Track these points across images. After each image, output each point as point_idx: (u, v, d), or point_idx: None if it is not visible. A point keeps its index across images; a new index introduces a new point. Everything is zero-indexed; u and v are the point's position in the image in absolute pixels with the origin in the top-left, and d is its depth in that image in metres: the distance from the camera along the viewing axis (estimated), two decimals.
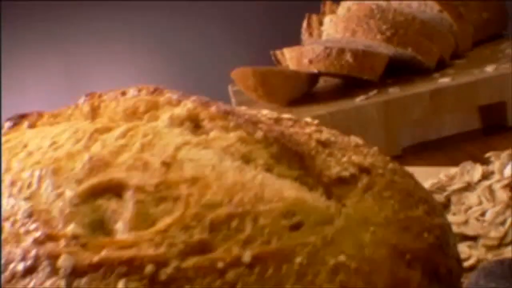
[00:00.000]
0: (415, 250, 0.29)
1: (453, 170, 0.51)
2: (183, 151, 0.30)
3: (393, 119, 0.84)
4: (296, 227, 0.27)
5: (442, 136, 0.86)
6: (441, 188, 0.49)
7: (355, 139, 0.37)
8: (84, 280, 0.25)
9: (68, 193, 0.29)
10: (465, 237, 0.44)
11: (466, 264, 0.41)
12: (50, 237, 0.27)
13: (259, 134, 0.31)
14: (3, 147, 0.39)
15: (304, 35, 1.04)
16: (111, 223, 0.27)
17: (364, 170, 0.32)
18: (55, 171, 0.30)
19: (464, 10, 1.05)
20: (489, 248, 0.43)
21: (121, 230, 0.27)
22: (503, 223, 0.44)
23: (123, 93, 0.40)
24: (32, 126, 0.44)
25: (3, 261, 0.28)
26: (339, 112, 0.81)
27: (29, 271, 0.27)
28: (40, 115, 0.45)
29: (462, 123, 0.87)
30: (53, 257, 0.26)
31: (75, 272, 0.26)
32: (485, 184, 0.47)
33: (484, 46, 1.06)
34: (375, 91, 0.88)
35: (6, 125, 0.47)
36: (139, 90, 0.39)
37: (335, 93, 0.93)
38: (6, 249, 0.29)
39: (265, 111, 0.36)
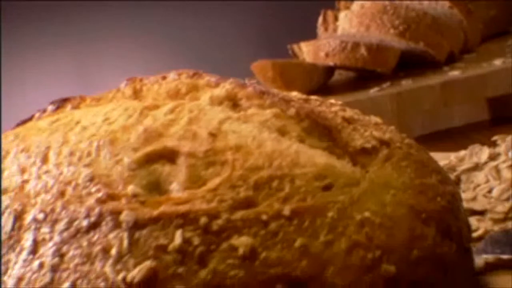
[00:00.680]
0: (430, 211, 0.33)
1: (462, 152, 0.55)
2: (226, 124, 0.34)
3: (405, 110, 0.88)
4: (327, 187, 0.31)
5: (452, 126, 0.89)
6: (451, 168, 0.53)
7: (375, 119, 0.41)
8: (145, 232, 0.29)
9: (126, 160, 0.33)
10: (474, 212, 0.48)
11: (475, 234, 0.45)
12: (112, 197, 0.31)
13: (292, 111, 0.36)
14: (52, 126, 0.43)
15: (320, 30, 1.07)
16: (166, 184, 0.31)
17: (384, 143, 0.36)
18: (112, 141, 0.35)
19: (473, 7, 1.07)
20: (496, 221, 0.47)
21: (175, 190, 0.31)
22: (508, 199, 0.48)
23: (164, 77, 0.44)
24: (75, 108, 0.48)
25: (67, 219, 0.33)
26: (354, 102, 0.85)
27: (93, 226, 0.31)
28: (82, 98, 0.49)
29: (471, 114, 0.90)
30: (116, 213, 0.30)
31: (137, 225, 0.30)
32: (492, 165, 0.51)
33: (492, 41, 1.09)
34: (388, 83, 0.91)
35: (49, 108, 0.51)
36: (179, 74, 0.43)
37: (350, 85, 0.97)
38: (70, 209, 0.33)
39: (294, 93, 0.40)
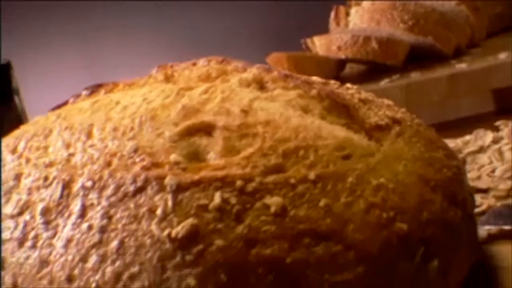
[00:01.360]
0: (437, 180, 0.36)
1: (468, 137, 0.59)
2: (256, 102, 0.38)
3: (414, 101, 0.91)
4: (346, 157, 0.35)
5: (459, 117, 0.92)
6: (458, 151, 0.57)
7: (387, 101, 0.45)
8: (187, 194, 0.33)
9: (167, 133, 0.37)
10: (478, 190, 0.52)
11: (479, 210, 0.49)
12: (156, 164, 0.35)
13: (313, 91, 0.39)
14: (93, 106, 0.46)
15: (332, 25, 1.10)
16: (204, 154, 0.35)
17: (396, 121, 0.40)
18: (153, 117, 0.38)
19: (480, 4, 1.09)
20: (498, 198, 0.51)
21: (213, 158, 0.35)
22: (510, 178, 0.52)
23: (194, 64, 0.48)
24: (108, 93, 0.52)
25: (114, 186, 0.36)
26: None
27: (139, 190, 0.35)
28: (115, 84, 0.53)
29: (476, 105, 0.91)
30: (160, 178, 0.34)
31: (180, 188, 0.33)
32: (495, 147, 0.55)
33: (497, 36, 1.10)
34: (398, 76, 0.94)
35: (83, 93, 0.55)
36: (209, 61, 0.47)
37: (361, 77, 1.00)
38: (117, 176, 0.37)
39: (314, 77, 0.44)
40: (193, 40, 1.30)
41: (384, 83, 0.92)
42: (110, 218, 0.35)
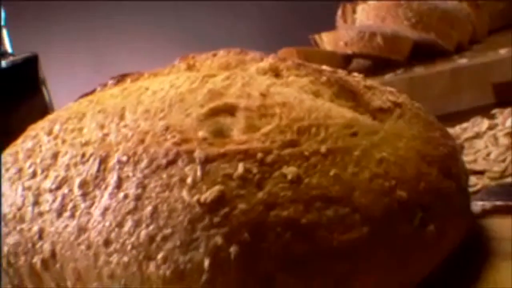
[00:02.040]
0: (434, 155, 0.41)
1: (465, 124, 0.63)
2: (272, 87, 0.42)
3: (417, 94, 0.93)
4: (353, 134, 0.39)
5: (460, 110, 0.95)
6: (456, 137, 0.61)
7: (390, 88, 0.49)
8: (214, 164, 0.38)
9: (195, 113, 0.41)
10: (474, 172, 0.56)
11: (474, 189, 0.54)
12: (185, 140, 0.40)
13: (324, 78, 0.44)
14: (124, 92, 0.51)
15: (339, 22, 1.14)
16: (228, 131, 0.40)
17: (397, 105, 0.44)
18: (181, 100, 0.43)
19: (481, 1, 1.12)
20: (492, 179, 0.55)
21: (236, 134, 0.39)
22: (504, 160, 0.56)
23: (214, 55, 0.53)
24: (133, 82, 0.56)
25: (147, 159, 0.41)
26: None
27: (171, 163, 0.39)
28: (140, 73, 0.57)
29: (477, 98, 0.93)
30: (190, 152, 0.39)
31: (207, 160, 0.38)
32: (491, 133, 0.60)
33: (499, 33, 1.13)
34: (402, 70, 0.98)
35: (110, 82, 0.59)
36: (228, 52, 0.52)
37: (367, 71, 1.03)
38: (150, 151, 0.41)
39: (324, 66, 0.49)
40: (205, 37, 1.34)
41: (388, 77, 0.96)
42: (144, 187, 0.40)
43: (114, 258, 0.41)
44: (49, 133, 0.52)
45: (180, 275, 0.37)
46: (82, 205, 0.44)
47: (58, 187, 0.47)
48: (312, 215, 0.36)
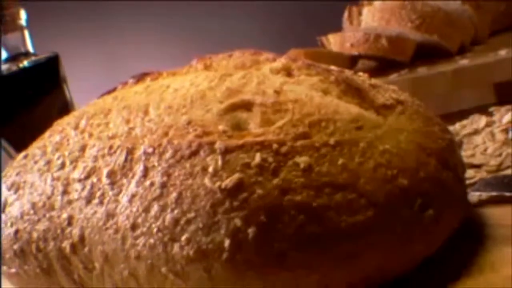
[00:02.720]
0: (432, 148, 0.45)
1: (465, 121, 0.67)
2: (285, 86, 0.46)
3: (420, 94, 0.95)
4: (359, 128, 0.43)
5: (462, 109, 0.98)
6: (456, 133, 0.65)
7: (393, 87, 0.53)
8: (233, 154, 0.42)
9: (215, 109, 0.45)
10: (472, 165, 0.60)
11: (472, 181, 0.57)
12: (207, 133, 0.44)
13: (332, 77, 0.48)
14: (147, 89, 0.54)
15: (345, 24, 1.17)
16: (246, 125, 0.44)
17: (399, 102, 0.48)
18: (202, 97, 0.47)
19: (483, 3, 1.13)
20: (489, 172, 0.58)
21: (253, 128, 0.43)
22: (500, 155, 0.60)
23: (230, 55, 0.57)
24: (153, 81, 0.59)
25: (172, 150, 0.45)
26: None
27: (194, 153, 0.43)
28: (159, 73, 0.61)
29: (479, 97, 0.95)
30: (211, 143, 0.43)
31: (227, 150, 0.42)
32: (488, 130, 0.64)
33: (500, 35, 1.14)
34: (406, 70, 1.00)
35: (130, 81, 0.62)
36: (243, 53, 0.56)
37: (372, 72, 1.06)
38: (174, 143, 0.45)
39: (332, 67, 0.53)
40: (215, 38, 1.37)
41: (393, 77, 0.99)
42: (169, 176, 0.44)
43: (141, 241, 0.44)
44: (76, 127, 0.56)
45: (202, 254, 0.41)
46: (110, 193, 0.48)
47: (87, 177, 0.50)
48: (322, 199, 0.40)
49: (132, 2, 1.38)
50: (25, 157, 0.60)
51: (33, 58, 0.86)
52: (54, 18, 1.32)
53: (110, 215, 0.47)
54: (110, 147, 0.50)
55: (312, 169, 0.40)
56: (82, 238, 0.50)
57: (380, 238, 0.40)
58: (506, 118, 0.64)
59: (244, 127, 0.44)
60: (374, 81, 0.51)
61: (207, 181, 0.42)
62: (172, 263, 0.42)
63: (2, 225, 0.59)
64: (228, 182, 0.41)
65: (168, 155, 0.45)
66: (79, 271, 0.51)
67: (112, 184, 0.48)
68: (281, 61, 0.50)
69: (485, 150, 0.61)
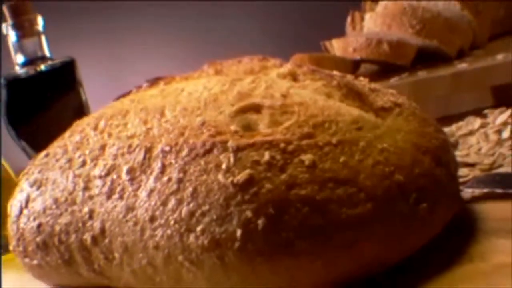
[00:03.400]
0: (427, 147, 0.48)
1: (460, 123, 0.71)
2: (291, 90, 0.50)
3: (421, 97, 0.97)
4: (359, 128, 0.47)
5: (461, 111, 1.01)
6: (452, 134, 0.69)
7: (391, 91, 0.57)
8: (244, 152, 0.45)
9: (227, 111, 0.49)
10: (467, 164, 0.63)
11: (466, 179, 0.61)
12: (220, 133, 0.47)
13: (334, 82, 0.52)
14: (163, 93, 0.58)
15: (348, 29, 1.20)
16: (255, 126, 0.47)
17: (397, 105, 0.52)
18: (215, 100, 0.51)
19: (482, 7, 1.15)
20: (482, 170, 0.62)
21: (262, 128, 0.47)
22: (493, 154, 0.64)
23: (239, 61, 0.60)
24: (166, 85, 0.63)
25: (187, 149, 0.49)
26: None
27: (208, 151, 0.47)
28: (172, 77, 0.64)
29: (477, 100, 0.97)
30: (224, 142, 0.47)
31: (239, 149, 0.46)
32: (482, 131, 0.67)
33: (499, 39, 1.17)
34: (406, 74, 1.03)
35: (144, 84, 0.66)
36: (251, 59, 0.59)
37: (374, 75, 1.09)
38: (189, 142, 0.49)
39: (334, 72, 0.57)
40: (222, 44, 1.41)
41: (394, 80, 1.02)
42: (185, 172, 0.48)
43: (159, 232, 0.48)
44: (95, 128, 0.60)
45: (216, 243, 0.45)
46: (130, 188, 0.51)
47: (107, 174, 0.54)
48: (325, 193, 0.43)
49: (141, 12, 1.41)
50: (47, 155, 0.64)
51: (49, 62, 0.90)
52: (70, 25, 1.36)
53: (129, 209, 0.51)
54: (129, 146, 0.53)
55: (316, 166, 0.44)
56: (102, 231, 0.53)
57: (378, 228, 0.44)
58: (499, 120, 0.67)
59: (254, 128, 0.47)
60: (373, 85, 0.54)
61: (220, 176, 0.45)
62: (188, 252, 0.46)
63: (25, 219, 0.62)
64: (240, 177, 0.44)
65: (184, 153, 0.48)
66: (100, 261, 0.54)
67: (132, 180, 0.51)
68: (287, 67, 0.54)
69: (479, 150, 0.65)
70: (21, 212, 0.63)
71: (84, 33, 1.39)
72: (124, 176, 0.52)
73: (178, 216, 0.47)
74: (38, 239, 0.60)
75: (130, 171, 0.52)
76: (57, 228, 0.58)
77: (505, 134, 0.65)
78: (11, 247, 0.66)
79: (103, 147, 0.57)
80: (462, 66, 1.02)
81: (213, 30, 1.44)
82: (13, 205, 0.65)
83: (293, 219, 0.43)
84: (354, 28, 1.19)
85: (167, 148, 0.50)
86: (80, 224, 0.56)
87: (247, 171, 0.45)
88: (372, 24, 1.15)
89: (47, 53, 0.90)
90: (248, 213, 0.44)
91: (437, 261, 0.47)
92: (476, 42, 1.15)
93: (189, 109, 0.51)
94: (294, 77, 0.53)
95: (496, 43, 1.17)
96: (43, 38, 0.90)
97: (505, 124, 0.66)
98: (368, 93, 0.52)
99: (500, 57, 1.02)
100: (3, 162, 0.84)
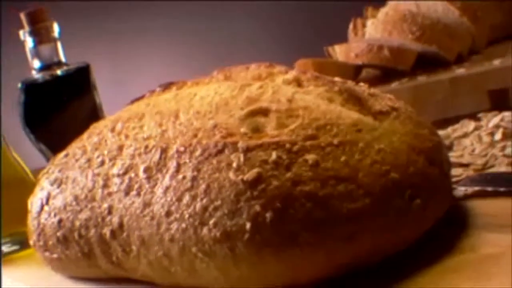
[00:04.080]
0: (421, 147, 0.52)
1: (456, 125, 0.75)
2: (296, 95, 0.54)
3: (420, 101, 1.02)
4: (358, 130, 0.51)
5: (459, 114, 1.04)
6: (447, 136, 0.73)
7: (389, 96, 0.61)
8: (253, 152, 0.49)
9: (237, 114, 0.53)
10: (461, 164, 0.67)
11: (460, 178, 0.65)
12: (230, 134, 0.51)
13: (336, 88, 0.56)
14: (176, 97, 0.62)
15: (351, 35, 1.24)
16: (263, 128, 0.51)
17: (394, 109, 0.56)
18: (225, 104, 0.55)
19: (481, 13, 1.20)
20: (475, 170, 0.66)
21: (269, 130, 0.51)
22: (485, 155, 0.67)
23: (247, 68, 0.64)
24: (178, 89, 0.67)
25: (200, 149, 0.53)
26: None
27: (220, 151, 0.51)
28: (184, 82, 0.68)
29: (474, 104, 1.03)
30: (234, 143, 0.51)
31: (248, 149, 0.50)
32: (476, 133, 0.71)
33: (497, 44, 1.21)
34: (406, 79, 1.07)
35: (157, 89, 0.70)
36: (258, 66, 0.63)
37: (375, 80, 1.14)
38: (202, 142, 0.53)
39: (336, 78, 0.61)
40: (229, 49, 1.45)
41: (394, 85, 1.06)
42: (199, 170, 0.51)
43: (174, 225, 0.52)
44: (112, 130, 0.64)
45: (227, 235, 0.49)
46: (147, 186, 0.55)
47: (125, 173, 0.58)
48: (327, 189, 0.47)
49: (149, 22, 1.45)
50: (66, 156, 0.68)
51: (65, 67, 0.94)
52: (84, 32, 1.41)
53: (146, 204, 0.55)
54: (146, 147, 0.57)
55: (318, 165, 0.48)
56: (121, 225, 0.57)
57: (375, 222, 0.48)
58: (492, 123, 0.71)
59: (262, 130, 0.51)
60: (373, 90, 0.59)
61: (231, 174, 0.49)
62: (201, 244, 0.50)
63: (46, 215, 0.66)
64: (249, 175, 0.49)
65: (197, 153, 0.52)
66: (118, 253, 0.58)
67: (148, 178, 0.55)
68: (292, 73, 0.58)
69: (473, 151, 0.69)
70: (42, 208, 0.67)
71: (97, 40, 1.44)
72: (141, 175, 0.56)
73: (192, 211, 0.51)
74: (58, 233, 0.64)
75: (147, 169, 0.56)
76: (77, 223, 0.62)
77: (497, 136, 0.69)
78: (31, 242, 0.70)
79: (120, 148, 0.60)
80: (461, 71, 1.07)
81: (221, 36, 1.48)
82: (34, 202, 0.69)
83: (298, 213, 0.47)
84: (356, 34, 1.23)
85: (181, 149, 0.54)
86: (99, 219, 0.59)
87: (256, 170, 0.48)
88: (374, 30, 1.19)
89: (62, 58, 0.94)
90: (257, 208, 0.48)
91: (431, 252, 0.51)
92: (474, 47, 1.19)
93: (202, 113, 0.55)
94: (298, 83, 0.57)
95: (494, 48, 1.21)
96: (59, 44, 0.94)
97: (497, 127, 0.70)
98: (367, 97, 0.56)
99: (497, 62, 1.06)
100: (20, 162, 0.88)
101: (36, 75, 0.95)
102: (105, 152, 0.62)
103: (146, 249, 0.55)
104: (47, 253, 0.68)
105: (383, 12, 1.22)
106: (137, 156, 0.58)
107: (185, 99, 0.60)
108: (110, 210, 0.59)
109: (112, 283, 0.63)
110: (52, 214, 0.65)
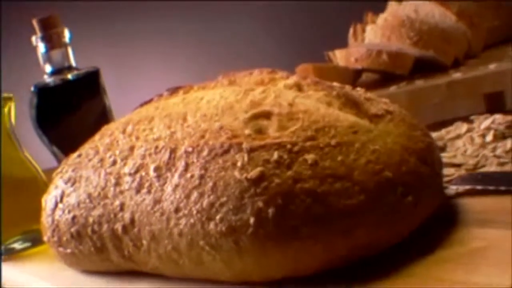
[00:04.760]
0: (414, 148, 0.56)
1: (449, 127, 0.78)
2: (297, 99, 0.58)
3: (418, 104, 1.05)
4: (355, 132, 0.54)
5: (455, 117, 1.07)
6: (441, 137, 0.77)
7: (385, 100, 0.64)
8: (256, 153, 0.53)
9: (241, 117, 0.57)
10: (453, 164, 0.71)
11: (452, 178, 0.69)
12: (235, 136, 0.55)
13: (334, 92, 0.59)
14: (184, 101, 0.65)
15: (351, 40, 1.27)
16: (266, 130, 0.55)
17: (389, 112, 0.59)
18: (230, 107, 0.58)
19: (477, 19, 1.23)
20: (468, 170, 0.69)
21: (271, 132, 0.55)
22: (477, 156, 0.71)
23: (250, 73, 0.68)
24: (185, 93, 0.71)
25: (207, 149, 0.56)
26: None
27: (225, 152, 0.54)
28: (190, 86, 0.72)
29: (470, 107, 1.07)
30: (239, 144, 0.54)
31: (252, 149, 0.53)
32: (469, 135, 0.75)
33: (493, 49, 1.25)
34: (404, 83, 1.10)
35: (165, 93, 0.73)
36: (261, 71, 0.67)
37: (374, 84, 1.16)
38: (209, 143, 0.56)
39: (334, 83, 0.64)
40: (232, 55, 1.49)
41: (393, 88, 1.09)
42: (206, 169, 0.55)
43: (183, 221, 0.56)
44: (123, 131, 0.67)
45: (232, 230, 0.52)
46: (157, 184, 0.59)
47: (136, 172, 0.62)
48: (325, 187, 0.51)
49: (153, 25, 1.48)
50: (79, 156, 0.71)
51: (75, 71, 0.98)
52: (94, 38, 1.44)
53: (156, 201, 0.58)
54: (156, 147, 0.61)
55: (317, 164, 0.52)
56: (132, 221, 0.61)
57: (370, 217, 0.51)
58: (483, 125, 0.75)
59: (265, 132, 0.55)
60: (369, 94, 0.62)
61: (236, 173, 0.53)
62: (208, 237, 0.53)
63: (60, 212, 0.70)
64: (253, 174, 0.52)
65: (205, 153, 0.56)
66: (129, 248, 0.62)
67: (158, 177, 0.59)
68: (293, 79, 0.62)
69: (465, 151, 0.72)
70: (56, 206, 0.70)
71: (107, 45, 1.47)
72: (152, 173, 0.60)
73: (200, 207, 0.54)
74: (72, 229, 0.67)
75: (157, 169, 0.59)
76: (91, 219, 0.65)
77: (489, 137, 0.73)
78: (45, 238, 0.74)
79: (131, 148, 0.64)
80: (457, 75, 1.10)
81: (224, 41, 1.52)
82: (48, 200, 0.73)
83: (298, 208, 0.50)
84: (356, 39, 1.26)
85: (189, 149, 0.57)
86: (111, 216, 0.63)
87: (259, 168, 0.52)
88: (373, 35, 1.22)
89: (73, 63, 0.98)
90: (260, 204, 0.51)
91: (423, 246, 0.54)
92: (471, 52, 1.23)
93: (208, 115, 0.59)
94: (299, 87, 0.61)
95: (490, 52, 1.24)
96: (70, 49, 0.98)
97: (488, 129, 0.74)
98: (364, 101, 0.59)
99: (492, 66, 1.09)
100: (33, 162, 0.91)
101: (47, 79, 0.98)
102: (117, 152, 0.65)
103: (156, 243, 0.59)
104: (61, 249, 0.71)
105: (382, 17, 1.25)
106: (147, 156, 0.61)
107: (192, 102, 0.63)
108: (122, 207, 0.62)
109: (124, 276, 0.66)
110: (66, 211, 0.69)
